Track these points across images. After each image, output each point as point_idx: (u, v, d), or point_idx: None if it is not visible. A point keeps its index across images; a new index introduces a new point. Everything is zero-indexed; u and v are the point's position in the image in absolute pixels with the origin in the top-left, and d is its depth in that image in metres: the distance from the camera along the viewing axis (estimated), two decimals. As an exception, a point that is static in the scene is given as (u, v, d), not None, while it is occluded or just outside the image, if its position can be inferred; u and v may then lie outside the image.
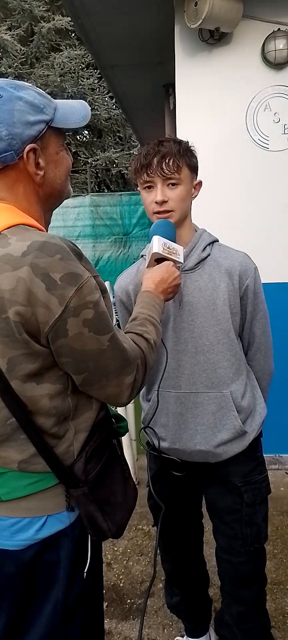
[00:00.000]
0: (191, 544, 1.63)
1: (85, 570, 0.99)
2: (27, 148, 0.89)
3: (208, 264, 1.33)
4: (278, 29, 2.65)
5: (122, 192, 9.21)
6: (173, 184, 1.26)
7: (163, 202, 1.25)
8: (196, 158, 1.33)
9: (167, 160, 1.24)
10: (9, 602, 0.96)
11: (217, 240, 1.40)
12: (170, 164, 1.24)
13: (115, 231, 8.26)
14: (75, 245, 0.91)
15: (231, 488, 1.39)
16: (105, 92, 10.61)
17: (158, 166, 1.24)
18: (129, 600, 2.02)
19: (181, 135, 2.77)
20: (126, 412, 2.53)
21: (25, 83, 0.94)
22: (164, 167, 1.24)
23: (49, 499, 0.95)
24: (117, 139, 11.68)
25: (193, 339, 1.32)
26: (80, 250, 0.91)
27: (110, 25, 3.05)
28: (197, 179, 1.34)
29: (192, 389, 1.34)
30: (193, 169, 1.31)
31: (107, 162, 11.09)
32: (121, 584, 2.12)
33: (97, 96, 10.70)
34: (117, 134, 11.71)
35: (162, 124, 4.26)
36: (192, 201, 1.35)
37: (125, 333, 1.00)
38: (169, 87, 3.87)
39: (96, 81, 10.53)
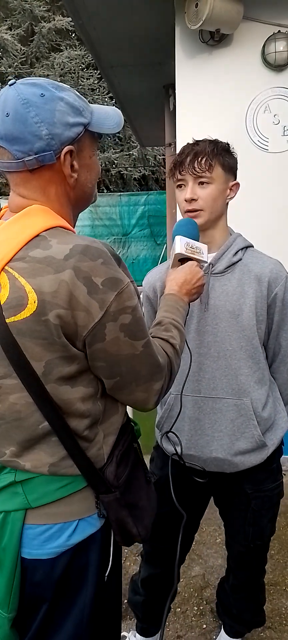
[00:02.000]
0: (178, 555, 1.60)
1: (106, 574, 0.97)
2: (65, 149, 0.88)
3: (238, 269, 1.30)
4: (279, 31, 2.65)
5: (122, 193, 9.23)
6: (204, 183, 1.25)
7: (192, 200, 1.25)
8: (235, 159, 1.32)
9: (199, 159, 1.24)
10: (38, 610, 0.94)
11: (252, 246, 1.37)
12: (203, 162, 1.24)
13: (114, 231, 8.27)
14: (113, 250, 0.90)
15: (240, 492, 1.38)
16: (105, 93, 10.62)
17: (190, 164, 1.24)
18: (125, 601, 2.02)
19: (180, 136, 2.78)
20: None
21: (65, 84, 0.93)
22: (196, 166, 1.24)
23: (79, 502, 0.93)
24: (117, 140, 11.68)
25: (217, 343, 1.30)
26: (118, 255, 0.91)
27: (111, 26, 3.05)
28: (234, 181, 1.31)
29: (211, 394, 1.31)
30: (229, 170, 1.29)
31: (107, 163, 11.09)
32: (118, 584, 2.12)
33: (97, 96, 10.70)
34: (117, 135, 11.70)
35: (162, 124, 4.26)
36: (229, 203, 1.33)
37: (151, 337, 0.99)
38: (169, 88, 3.87)
39: (96, 81, 10.54)
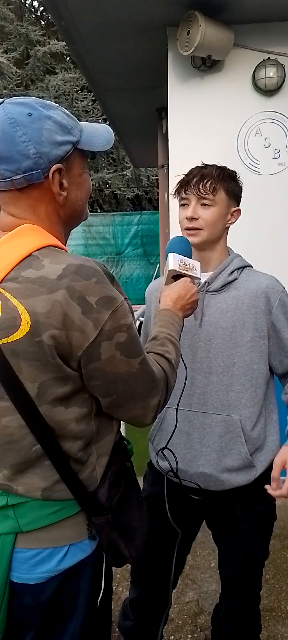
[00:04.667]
0: (168, 575, 1.55)
1: (99, 599, 0.95)
2: (54, 168, 0.88)
3: (233, 287, 1.32)
4: (269, 58, 2.72)
5: (115, 213, 9.30)
6: (206, 205, 1.28)
7: (193, 218, 1.28)
8: (240, 187, 1.35)
9: (205, 181, 1.28)
10: (25, 636, 0.92)
11: (250, 266, 1.40)
12: (207, 185, 1.27)
13: (107, 250, 8.30)
14: (107, 268, 0.90)
15: (230, 514, 1.37)
16: (99, 115, 10.77)
17: (195, 185, 1.28)
18: (117, 628, 1.97)
19: (173, 158, 2.81)
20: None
21: (53, 103, 0.93)
22: (201, 187, 1.27)
23: (70, 528, 0.92)
24: (111, 160, 11.81)
25: (209, 359, 1.31)
26: (111, 273, 0.90)
27: (105, 51, 3.11)
28: (236, 207, 1.35)
29: (201, 409, 1.32)
30: (233, 196, 1.33)
31: (100, 183, 11.19)
32: (110, 611, 2.07)
33: (91, 118, 10.84)
34: (111, 155, 11.84)
35: (155, 146, 4.32)
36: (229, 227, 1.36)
37: (147, 353, 0.98)
38: (162, 111, 3.93)
39: (90, 104, 10.69)
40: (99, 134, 0.96)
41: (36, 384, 0.84)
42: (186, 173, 1.33)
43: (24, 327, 0.81)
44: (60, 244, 0.90)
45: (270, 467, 1.37)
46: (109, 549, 0.95)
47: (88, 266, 0.84)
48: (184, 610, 2.05)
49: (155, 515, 1.20)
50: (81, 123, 0.95)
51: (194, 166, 1.34)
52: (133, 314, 0.93)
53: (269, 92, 2.75)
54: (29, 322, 0.81)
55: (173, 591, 2.10)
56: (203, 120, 2.82)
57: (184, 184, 1.31)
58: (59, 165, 0.89)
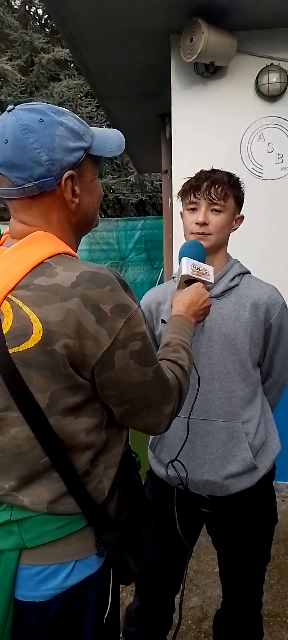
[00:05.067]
0: (171, 584, 1.55)
1: (105, 616, 0.92)
2: (66, 174, 0.86)
3: (234, 294, 1.33)
4: (271, 64, 2.73)
5: (119, 218, 9.32)
6: (217, 210, 1.29)
7: (204, 224, 1.28)
8: (243, 194, 1.37)
9: (216, 187, 1.28)
10: None
11: (249, 272, 1.41)
12: (219, 190, 1.28)
13: (111, 256, 8.32)
14: (120, 276, 0.88)
15: (233, 518, 1.37)
16: (103, 121, 10.82)
17: (207, 190, 1.28)
18: (121, 634, 1.96)
19: (176, 163, 2.82)
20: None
21: (64, 109, 0.91)
22: (212, 192, 1.28)
23: (77, 543, 0.89)
24: (114, 166, 11.86)
25: (211, 365, 1.31)
26: (125, 281, 0.89)
27: (108, 58, 3.14)
28: (240, 214, 1.37)
29: (203, 416, 1.31)
30: (239, 203, 1.34)
31: (104, 188, 11.23)
32: (114, 616, 2.06)
33: (95, 124, 10.75)
34: (115, 161, 11.90)
35: (158, 152, 4.34)
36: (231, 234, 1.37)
37: (159, 360, 0.96)
38: (165, 117, 3.95)
39: (94, 110, 10.75)
40: (110, 139, 0.94)
41: (47, 394, 0.82)
42: (194, 176, 1.32)
43: (36, 336, 0.79)
44: (72, 252, 0.89)
45: (272, 468, 1.39)
46: (118, 566, 0.92)
47: (102, 274, 0.82)
48: (188, 615, 2.04)
49: (160, 526, 1.18)
50: (92, 129, 0.94)
51: (199, 170, 1.34)
52: (145, 320, 0.91)
53: (272, 97, 2.76)
54: (41, 331, 0.79)
55: (177, 596, 2.10)
56: (207, 126, 2.83)
57: (194, 188, 1.29)
58: (71, 171, 0.87)
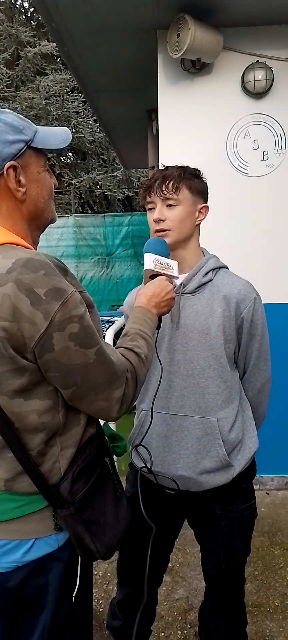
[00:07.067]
0: (153, 576, 1.55)
1: (74, 594, 0.98)
2: (7, 165, 0.94)
3: (208, 289, 1.33)
4: (257, 61, 2.76)
5: (106, 214, 9.28)
6: (171, 205, 1.30)
7: (160, 220, 1.30)
8: (204, 184, 1.37)
9: (166, 183, 1.30)
10: None
11: (226, 267, 1.41)
12: (170, 185, 1.29)
13: (98, 251, 8.29)
14: (60, 261, 0.92)
15: (210, 513, 1.39)
16: (89, 116, 10.76)
17: (159, 187, 1.30)
18: (106, 628, 1.97)
19: (163, 159, 2.83)
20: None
21: (7, 109, 1.00)
22: (163, 189, 1.30)
23: (36, 522, 0.95)
24: (101, 162, 11.81)
25: (186, 362, 1.32)
26: (65, 266, 0.93)
27: (95, 53, 3.12)
28: (203, 204, 1.36)
29: (179, 412, 1.33)
30: (198, 193, 1.34)
31: (91, 184, 11.19)
32: (101, 609, 2.07)
33: (81, 119, 10.83)
34: (101, 157, 11.84)
35: (145, 147, 4.34)
36: (201, 225, 1.37)
37: (116, 349, 1.01)
38: (152, 113, 3.95)
39: (81, 105, 10.67)
40: (55, 134, 1.02)
41: None
42: (148, 178, 1.35)
43: None
44: (22, 242, 0.94)
45: (248, 466, 1.39)
46: (76, 542, 0.96)
47: (36, 259, 0.87)
48: (174, 607, 2.07)
49: (136, 515, 1.19)
50: (39, 127, 1.01)
51: (156, 170, 1.37)
52: (91, 305, 0.96)
53: (258, 94, 2.79)
54: None
55: (164, 589, 2.12)
56: (193, 122, 2.84)
57: (148, 188, 1.33)
58: (12, 162, 0.94)
